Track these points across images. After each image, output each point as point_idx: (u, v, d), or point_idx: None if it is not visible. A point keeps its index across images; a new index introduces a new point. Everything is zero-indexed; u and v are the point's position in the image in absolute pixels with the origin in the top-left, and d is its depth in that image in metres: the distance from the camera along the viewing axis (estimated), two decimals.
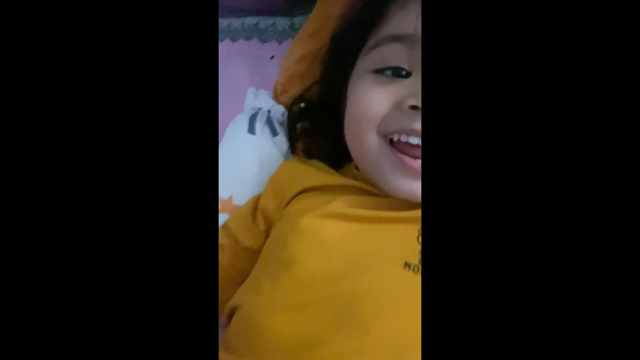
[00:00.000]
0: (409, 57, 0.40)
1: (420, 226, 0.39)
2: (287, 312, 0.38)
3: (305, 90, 0.57)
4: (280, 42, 0.71)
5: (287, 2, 0.70)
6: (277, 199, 0.49)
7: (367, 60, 0.43)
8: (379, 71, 0.42)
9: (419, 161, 0.39)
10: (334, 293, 0.37)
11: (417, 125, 0.38)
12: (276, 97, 0.60)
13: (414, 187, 0.40)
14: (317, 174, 0.48)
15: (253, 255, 0.47)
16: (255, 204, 0.52)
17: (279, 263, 0.41)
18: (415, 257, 0.38)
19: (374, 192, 0.44)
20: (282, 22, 0.72)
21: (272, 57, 0.71)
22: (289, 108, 0.58)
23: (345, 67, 0.47)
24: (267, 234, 0.48)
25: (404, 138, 0.40)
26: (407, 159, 0.40)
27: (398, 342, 0.34)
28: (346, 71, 0.47)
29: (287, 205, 0.47)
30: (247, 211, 0.51)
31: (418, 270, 0.37)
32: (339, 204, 0.42)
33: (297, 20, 0.71)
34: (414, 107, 0.38)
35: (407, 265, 0.37)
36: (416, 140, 0.39)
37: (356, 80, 0.44)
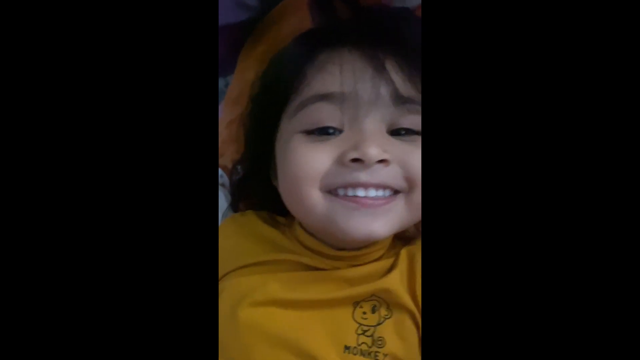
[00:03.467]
0: (341, 114, 0.41)
1: (355, 304, 0.42)
2: None
3: (242, 154, 0.57)
4: (219, 101, 0.75)
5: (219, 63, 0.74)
6: None
7: (295, 122, 0.43)
8: (309, 132, 0.42)
9: (371, 195, 0.40)
10: None
11: (363, 177, 0.39)
12: None
13: (371, 226, 0.40)
14: (251, 248, 0.48)
15: None
16: None
17: None
18: (353, 339, 0.40)
19: (310, 264, 0.45)
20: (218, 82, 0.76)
21: None
22: (230, 171, 0.59)
23: (267, 129, 0.47)
24: None
25: (350, 192, 0.40)
26: (360, 199, 0.40)
27: None
28: (269, 134, 0.47)
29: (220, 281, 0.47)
30: None
31: (358, 351, 0.39)
32: (274, 287, 0.43)
33: (230, 79, 0.74)
34: (355, 160, 0.39)
35: (347, 348, 0.39)
36: (362, 192, 0.40)
37: (286, 142, 0.44)
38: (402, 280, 0.42)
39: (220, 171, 0.61)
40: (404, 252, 0.45)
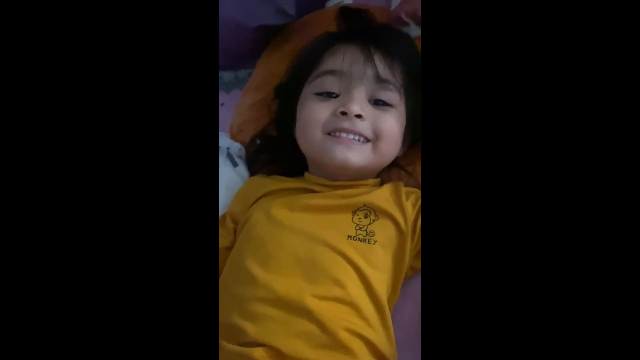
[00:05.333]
0: (339, 84, 0.61)
1: (353, 212, 0.58)
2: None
3: (260, 130, 0.74)
4: (228, 92, 0.88)
5: (230, 59, 0.87)
6: (243, 203, 0.65)
7: (311, 87, 0.64)
8: (319, 94, 0.62)
9: (350, 137, 0.59)
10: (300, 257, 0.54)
11: (346, 124, 0.59)
12: (233, 136, 0.76)
13: (346, 155, 0.59)
14: (275, 182, 0.66)
15: (224, 253, 0.62)
16: (223, 216, 0.67)
17: (247, 241, 0.58)
18: (353, 232, 0.57)
19: (318, 190, 0.62)
20: (227, 75, 0.89)
21: (222, 104, 0.87)
22: (248, 145, 0.74)
23: (293, 94, 0.67)
24: (235, 231, 0.64)
25: (337, 134, 0.60)
26: (342, 139, 0.59)
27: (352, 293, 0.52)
28: (294, 98, 0.66)
29: (250, 206, 0.64)
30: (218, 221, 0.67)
31: (357, 238, 0.56)
32: (291, 198, 0.61)
33: (240, 73, 0.88)
34: (343, 113, 0.59)
35: (349, 237, 0.56)
36: (344, 135, 0.60)
37: (304, 100, 0.64)
38: (386, 197, 0.60)
39: (239, 145, 0.74)
40: (387, 184, 0.63)
